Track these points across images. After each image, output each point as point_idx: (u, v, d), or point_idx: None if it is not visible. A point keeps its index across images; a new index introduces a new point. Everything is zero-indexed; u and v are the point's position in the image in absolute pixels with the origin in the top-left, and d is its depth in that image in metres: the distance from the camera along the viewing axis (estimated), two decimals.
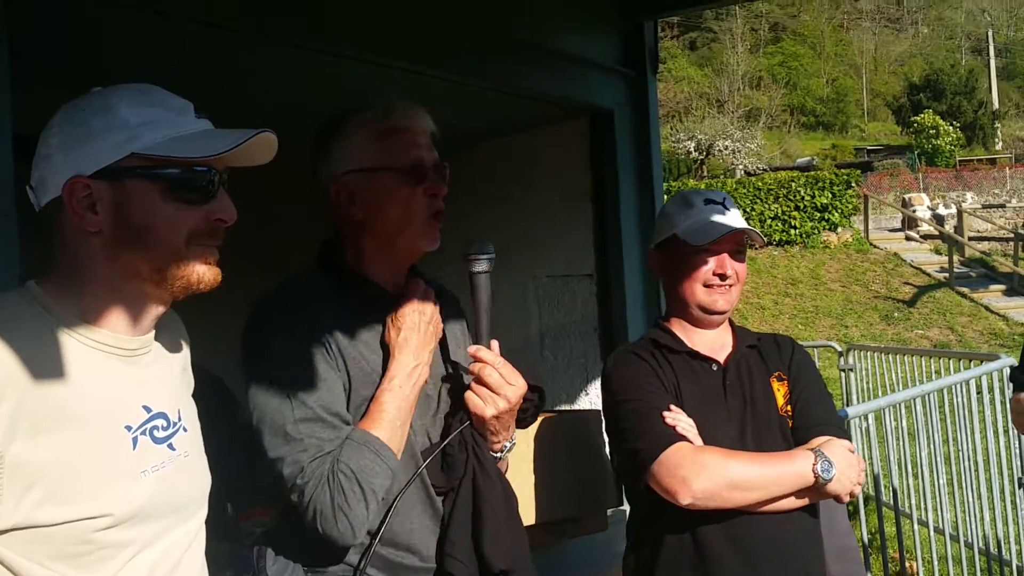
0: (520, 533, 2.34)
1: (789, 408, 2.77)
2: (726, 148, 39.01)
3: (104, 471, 1.58)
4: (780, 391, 2.79)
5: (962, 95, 47.22)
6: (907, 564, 5.72)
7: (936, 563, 5.83)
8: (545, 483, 3.20)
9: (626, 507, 3.54)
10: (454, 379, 2.35)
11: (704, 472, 2.55)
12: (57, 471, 1.52)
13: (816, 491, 2.59)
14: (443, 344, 2.38)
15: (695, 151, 38.92)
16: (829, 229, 26.04)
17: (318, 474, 2.06)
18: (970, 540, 6.17)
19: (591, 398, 4.10)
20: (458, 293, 2.48)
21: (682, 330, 2.87)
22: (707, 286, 2.78)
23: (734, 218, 2.80)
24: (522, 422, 2.43)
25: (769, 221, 25.92)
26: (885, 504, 7.09)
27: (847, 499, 2.69)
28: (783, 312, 21.49)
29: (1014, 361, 6.39)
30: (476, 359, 2.23)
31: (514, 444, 2.38)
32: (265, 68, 3.10)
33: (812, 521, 2.74)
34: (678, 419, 2.67)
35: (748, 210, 25.97)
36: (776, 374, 2.81)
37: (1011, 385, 3.24)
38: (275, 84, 3.27)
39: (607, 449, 3.46)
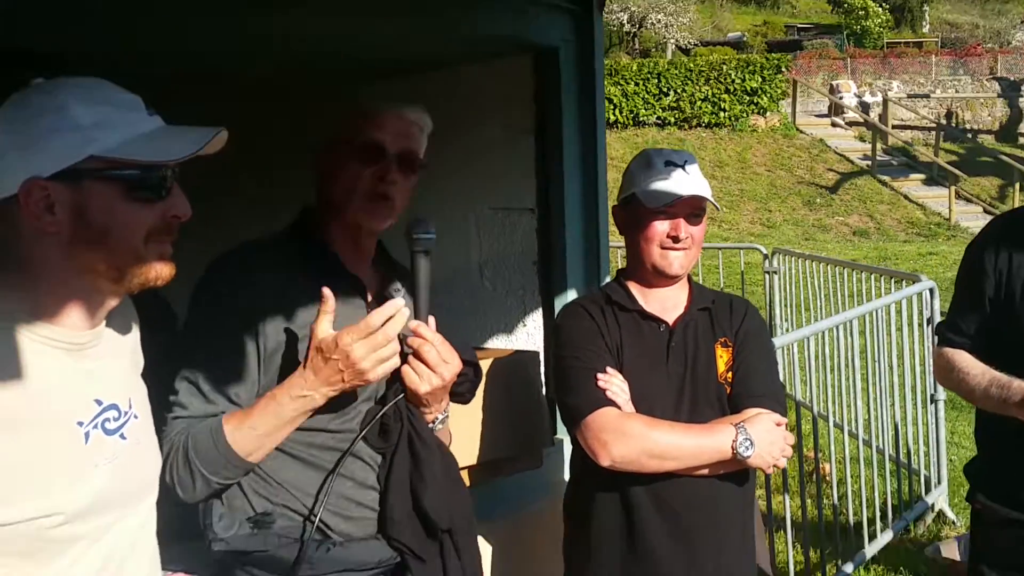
0: (461, 494, 2.48)
1: (730, 375, 2.85)
2: (659, 21, 38.61)
3: (56, 469, 1.61)
4: (723, 357, 2.86)
5: None
6: (821, 464, 5.96)
7: (848, 464, 6.10)
8: (484, 424, 3.28)
9: (562, 437, 3.68)
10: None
11: (624, 439, 2.67)
12: (10, 471, 1.55)
13: (736, 463, 2.70)
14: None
15: (628, 23, 38.49)
16: (758, 113, 26.16)
17: (175, 442, 2.19)
18: (882, 447, 6.47)
19: (528, 329, 4.17)
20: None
21: (637, 287, 2.93)
22: (662, 248, 2.83)
23: (693, 181, 2.83)
24: (459, 396, 2.57)
25: (699, 103, 25.95)
26: (803, 404, 7.38)
27: (770, 471, 2.82)
28: None
29: (933, 284, 6.62)
30: (415, 335, 2.29)
31: (447, 416, 2.49)
32: None
33: (741, 488, 2.84)
34: (611, 382, 2.76)
35: (679, 91, 25.94)
36: (722, 339, 2.88)
37: (936, 312, 3.35)
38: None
39: (544, 389, 3.57)
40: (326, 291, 2.18)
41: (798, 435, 5.80)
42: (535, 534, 3.48)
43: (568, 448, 3.29)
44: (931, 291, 6.55)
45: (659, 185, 2.83)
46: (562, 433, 3.59)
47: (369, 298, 2.44)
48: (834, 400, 6.15)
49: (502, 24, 3.68)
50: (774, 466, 2.74)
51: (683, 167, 2.87)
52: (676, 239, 2.82)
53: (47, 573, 1.62)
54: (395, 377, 2.33)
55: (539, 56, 3.97)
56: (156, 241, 1.69)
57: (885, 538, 5.93)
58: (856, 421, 6.05)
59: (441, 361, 2.30)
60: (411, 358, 2.31)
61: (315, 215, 2.45)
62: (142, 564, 1.83)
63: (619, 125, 25.37)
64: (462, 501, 2.47)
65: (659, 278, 2.89)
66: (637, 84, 26.04)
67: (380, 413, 2.32)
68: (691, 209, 2.84)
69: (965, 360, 3.10)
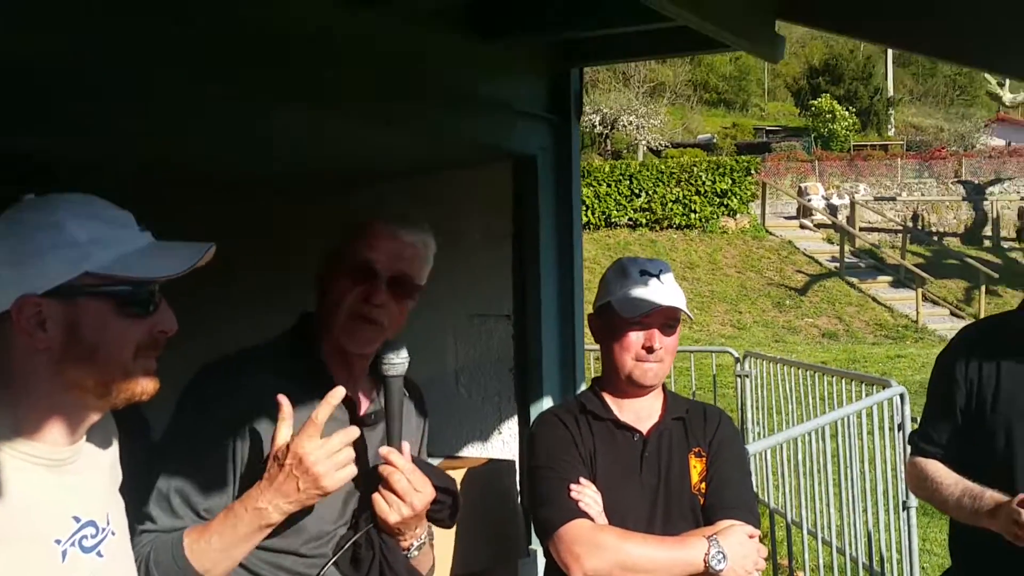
0: None
1: (703, 486, 2.83)
2: (630, 123, 39.24)
3: None
4: (697, 468, 2.85)
5: (859, 80, 48.13)
6: (795, 572, 5.93)
7: (822, 572, 6.06)
8: (458, 536, 3.26)
9: (535, 548, 3.64)
10: (373, 476, 2.31)
11: (597, 552, 2.63)
12: None
13: None
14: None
15: (600, 125, 39.09)
16: (728, 215, 26.49)
17: (140, 555, 2.11)
18: (855, 554, 6.44)
19: (504, 437, 4.16)
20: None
21: (611, 396, 2.92)
22: (636, 359, 2.83)
23: (668, 292, 2.84)
24: (440, 522, 2.47)
25: (671, 204, 26.27)
26: (776, 511, 7.35)
27: None
28: None
29: (903, 390, 6.66)
30: (386, 462, 2.23)
31: (424, 542, 2.39)
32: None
33: None
34: (583, 493, 2.74)
35: (651, 193, 26.26)
36: (696, 449, 2.87)
37: (907, 418, 3.38)
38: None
39: (519, 499, 3.55)
40: (281, 398, 2.12)
41: (772, 542, 5.76)
42: None
43: (542, 560, 3.26)
44: (901, 396, 6.60)
45: (634, 295, 2.85)
46: (537, 544, 3.55)
47: (362, 413, 2.38)
48: (807, 507, 6.12)
49: (484, 132, 3.76)
50: None
51: (658, 277, 2.89)
52: (650, 350, 2.83)
53: None
54: (367, 504, 2.27)
55: (518, 163, 4.04)
56: (143, 356, 1.69)
57: None
58: (829, 528, 6.02)
59: (412, 490, 2.22)
60: (381, 487, 2.24)
61: (312, 324, 2.39)
62: None
63: (591, 226, 25.60)
64: None
65: (633, 388, 2.89)
66: (609, 185, 26.37)
67: (352, 541, 2.26)
68: (665, 319, 2.85)
69: (938, 470, 3.12)
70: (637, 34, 3.76)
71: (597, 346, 3.01)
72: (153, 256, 1.67)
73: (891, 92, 50.77)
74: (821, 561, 6.13)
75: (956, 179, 30.68)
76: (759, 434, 9.73)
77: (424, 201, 4.13)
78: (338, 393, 2.14)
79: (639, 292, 2.85)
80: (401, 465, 2.22)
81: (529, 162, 4.02)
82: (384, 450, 2.23)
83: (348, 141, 3.54)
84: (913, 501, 6.67)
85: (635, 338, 2.83)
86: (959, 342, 3.22)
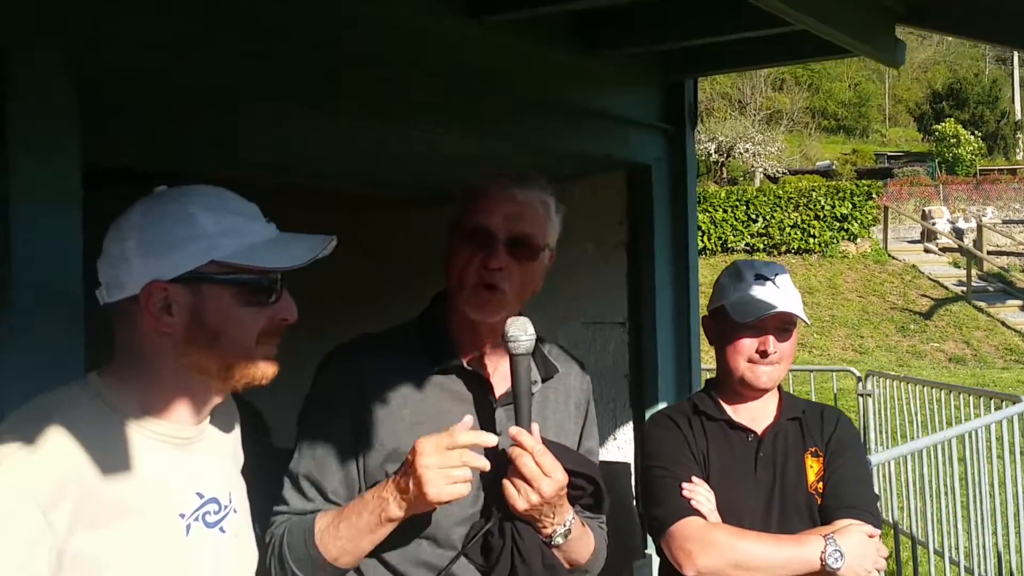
0: None
1: (821, 486, 2.78)
2: (747, 151, 38.90)
3: (159, 559, 1.66)
4: (813, 468, 2.80)
5: (985, 104, 46.90)
6: None
7: None
8: None
9: (651, 552, 3.63)
10: (504, 460, 2.17)
11: (710, 549, 2.60)
12: (116, 561, 1.60)
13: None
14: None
15: (715, 153, 38.83)
16: (848, 239, 26.00)
17: (274, 536, 2.15)
18: (984, 572, 6.24)
19: (619, 443, 4.18)
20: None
21: (725, 397, 2.90)
22: (750, 362, 2.79)
23: (783, 296, 2.79)
24: (588, 508, 2.34)
25: (788, 229, 25.92)
26: (903, 533, 7.16)
27: None
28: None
29: None
30: (515, 443, 2.10)
31: (570, 528, 2.22)
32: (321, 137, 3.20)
33: None
34: (696, 491, 2.71)
35: (768, 218, 25.96)
36: (812, 449, 2.82)
37: None
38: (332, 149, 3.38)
39: (634, 501, 3.55)
40: (468, 418, 2.07)
41: (897, 562, 5.62)
42: None
43: (657, 563, 3.26)
44: None
45: (748, 299, 2.81)
46: (652, 547, 3.55)
47: (498, 393, 2.27)
48: (933, 525, 5.97)
49: (599, 142, 3.80)
50: None
51: (773, 280, 2.84)
52: (764, 354, 2.79)
53: None
54: (498, 489, 2.13)
55: (632, 173, 4.07)
56: (264, 343, 1.74)
57: None
58: (957, 547, 5.83)
59: (541, 475, 2.07)
60: (509, 471, 2.11)
61: (442, 303, 2.32)
62: None
63: (707, 252, 25.39)
64: None
65: (747, 390, 2.85)
66: (726, 211, 26.16)
67: (483, 529, 2.15)
68: (780, 324, 2.80)
69: None
70: (752, 40, 3.73)
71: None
72: (277, 247, 1.73)
73: (1019, 115, 49.31)
74: None
75: None
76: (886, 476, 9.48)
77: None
78: (467, 422, 2.08)
79: (754, 296, 2.81)
80: (530, 446, 2.09)
81: (643, 171, 4.05)
82: (513, 431, 2.10)
83: (466, 155, 3.61)
84: None
85: (748, 342, 2.79)
86: None
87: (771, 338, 2.79)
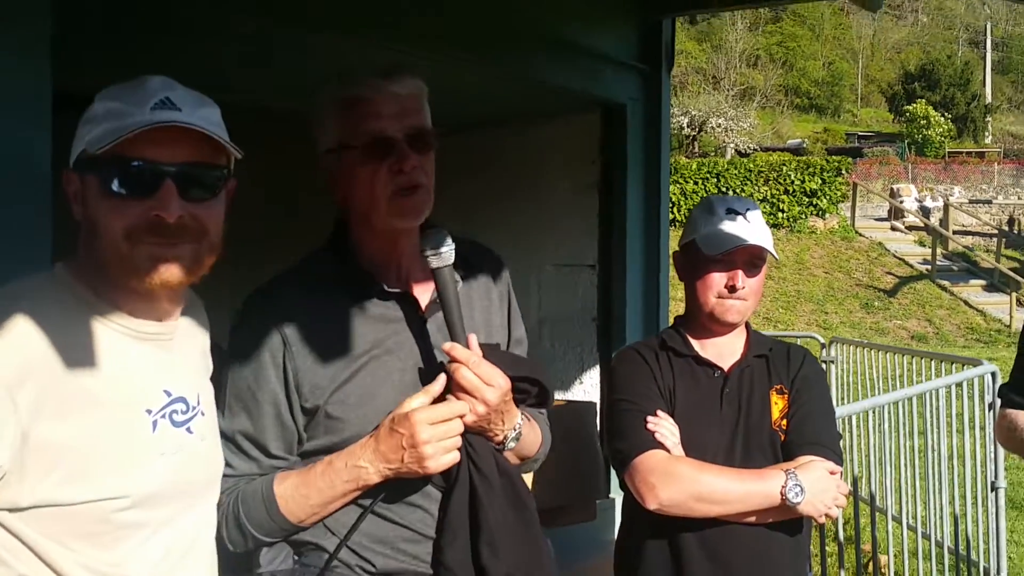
0: (528, 534, 2.19)
1: (785, 423, 2.77)
2: (719, 126, 39.01)
3: (124, 453, 1.62)
4: (778, 405, 2.79)
5: (956, 87, 47.22)
6: (879, 557, 5.83)
7: (906, 558, 5.95)
8: (537, 471, 3.25)
9: (615, 496, 3.63)
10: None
11: (672, 482, 2.59)
12: (80, 451, 1.56)
13: (787, 510, 2.60)
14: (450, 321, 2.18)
15: (688, 127, 38.90)
16: (816, 215, 26.14)
17: (226, 504, 2.07)
18: (940, 538, 6.30)
19: (585, 387, 4.17)
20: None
21: (693, 333, 2.88)
22: (719, 296, 2.77)
23: (754, 230, 2.77)
24: (533, 407, 2.28)
25: (758, 203, 26.00)
26: (862, 499, 7.22)
27: (821, 520, 2.70)
28: (765, 295, 21.50)
29: (996, 368, 6.50)
30: (451, 358, 2.04)
31: (519, 431, 2.18)
32: (293, 51, 3.12)
33: (793, 538, 2.74)
34: (660, 425, 2.69)
35: (738, 191, 26.01)
36: (777, 386, 2.81)
37: (998, 400, 3.30)
38: (300, 67, 3.30)
39: (599, 442, 3.55)
40: (441, 377, 2.03)
41: (856, 528, 5.65)
42: None
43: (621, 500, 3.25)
44: (993, 375, 6.42)
45: (719, 232, 2.78)
46: (616, 493, 3.54)
47: (425, 300, 2.19)
48: (891, 494, 5.99)
49: (574, 77, 3.76)
50: (826, 515, 2.66)
51: (744, 215, 2.81)
52: (733, 288, 2.76)
53: (109, 558, 1.63)
54: None
55: (607, 113, 4.03)
56: (143, 242, 1.63)
57: None
58: (915, 515, 5.87)
59: (480, 384, 2.03)
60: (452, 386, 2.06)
61: (344, 228, 2.20)
62: (202, 561, 1.83)
63: (677, 223, 25.41)
64: (529, 542, 2.18)
65: (715, 325, 2.84)
66: (696, 183, 26.20)
67: None
68: (750, 258, 2.77)
69: None
70: None
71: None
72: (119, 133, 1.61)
73: (989, 99, 49.69)
74: (906, 546, 6.01)
75: None
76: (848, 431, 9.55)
77: (511, 150, 4.16)
78: (441, 380, 2.04)
79: (724, 229, 2.80)
80: (465, 358, 2.03)
81: (618, 111, 4.01)
82: (446, 346, 2.04)
83: (449, 86, 3.55)
84: (1002, 482, 6.50)
85: (718, 277, 2.77)
86: None
87: (740, 272, 2.77)
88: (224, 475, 2.03)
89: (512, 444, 2.18)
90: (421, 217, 2.13)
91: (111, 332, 1.65)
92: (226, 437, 2.05)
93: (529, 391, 2.21)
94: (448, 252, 2.08)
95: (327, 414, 2.10)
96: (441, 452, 1.99)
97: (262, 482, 2.08)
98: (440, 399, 2.07)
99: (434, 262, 2.07)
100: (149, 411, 1.68)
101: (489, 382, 2.04)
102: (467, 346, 2.06)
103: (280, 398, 2.09)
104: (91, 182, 1.61)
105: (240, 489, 2.08)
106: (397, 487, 2.08)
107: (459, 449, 2.08)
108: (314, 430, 2.12)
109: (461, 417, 2.03)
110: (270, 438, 2.10)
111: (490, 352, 2.12)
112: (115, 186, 1.60)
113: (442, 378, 2.05)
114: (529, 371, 2.22)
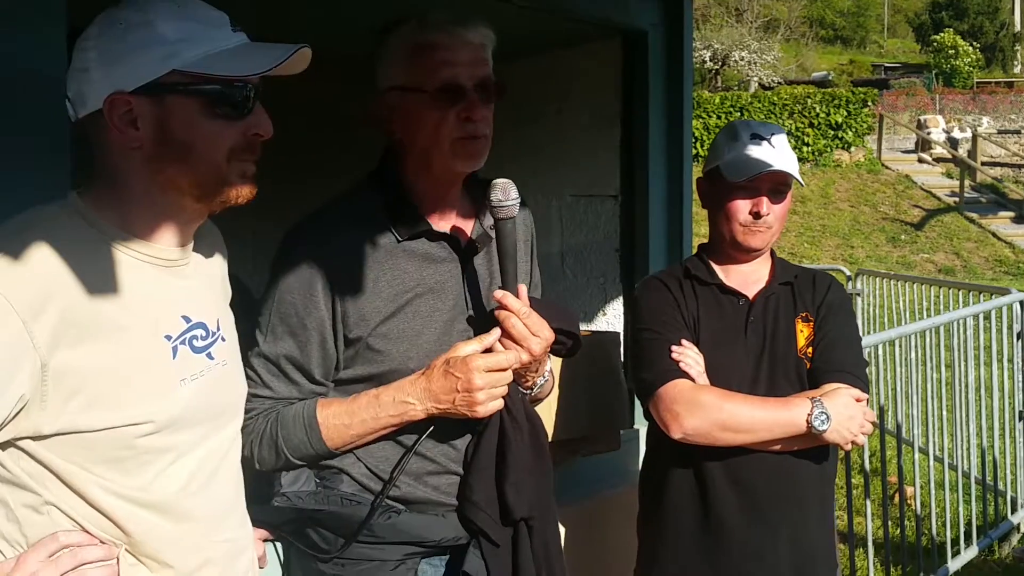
0: (545, 478, 2.32)
1: (810, 350, 2.76)
2: (742, 59, 38.51)
3: (146, 379, 1.63)
4: (804, 333, 2.78)
5: (984, 15, 46.43)
6: (905, 488, 5.83)
7: (933, 489, 5.95)
8: (561, 403, 3.25)
9: (639, 427, 3.62)
10: (490, 321, 2.20)
11: (697, 410, 2.59)
12: (101, 378, 1.57)
13: (812, 438, 2.60)
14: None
15: (710, 61, 38.43)
16: (842, 148, 25.90)
17: (259, 422, 2.12)
18: (967, 469, 6.29)
19: (608, 318, 4.14)
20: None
21: (717, 260, 2.86)
22: (743, 224, 2.74)
23: (779, 156, 2.73)
24: (560, 355, 2.41)
25: (783, 128, 25.78)
26: (888, 431, 7.21)
27: (848, 447, 2.69)
28: (790, 230, 21.46)
29: None
30: (501, 306, 2.13)
31: (547, 379, 2.35)
32: None
33: (819, 466, 2.75)
34: (684, 354, 2.70)
35: None
36: (803, 314, 2.79)
37: None
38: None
39: (623, 372, 3.52)
40: (496, 329, 2.12)
41: (882, 460, 5.64)
42: (611, 521, 3.42)
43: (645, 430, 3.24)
44: (1022, 304, 6.35)
45: (743, 158, 2.74)
46: (640, 423, 3.53)
47: (465, 243, 2.27)
48: (918, 427, 5.97)
49: (593, 5, 3.68)
50: (852, 443, 2.64)
51: (769, 140, 2.77)
52: (757, 215, 2.73)
53: (134, 483, 1.64)
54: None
55: (627, 40, 3.96)
56: (238, 159, 1.68)
57: (969, 554, 5.76)
58: (942, 447, 5.83)
59: (528, 334, 2.12)
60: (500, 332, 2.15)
61: (394, 164, 2.26)
62: (226, 486, 1.84)
63: (700, 159, 25.16)
64: (544, 486, 2.31)
65: (739, 253, 2.81)
66: (720, 117, 25.95)
67: None
68: (774, 184, 2.73)
69: None
70: None
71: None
72: (243, 55, 1.66)
73: (1018, 27, 48.83)
74: (932, 478, 6.00)
75: None
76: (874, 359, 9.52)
77: (531, 81, 4.09)
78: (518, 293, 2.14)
79: (749, 155, 2.75)
80: (516, 308, 2.12)
81: (639, 38, 3.93)
82: (499, 294, 2.13)
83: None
84: None
85: (742, 204, 2.73)
86: None
87: (765, 199, 2.74)
88: (261, 396, 2.14)
89: (539, 391, 2.32)
90: (481, 163, 2.20)
91: (128, 259, 1.65)
92: (268, 359, 2.15)
93: (565, 343, 2.31)
94: (514, 205, 2.16)
95: (368, 346, 2.17)
96: (491, 399, 2.07)
97: (303, 406, 2.14)
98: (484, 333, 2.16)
99: (500, 213, 2.15)
100: (169, 337, 1.69)
101: (536, 333, 2.14)
102: (517, 295, 2.15)
103: (327, 325, 2.15)
104: (184, 104, 1.62)
105: (279, 411, 2.13)
106: (428, 421, 2.14)
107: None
108: (353, 360, 2.19)
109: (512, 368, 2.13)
110: (314, 364, 2.16)
111: (536, 303, 2.21)
112: (222, 107, 1.64)
113: (496, 331, 2.13)
114: (569, 324, 2.32)
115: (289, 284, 2.15)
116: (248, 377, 2.05)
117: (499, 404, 2.11)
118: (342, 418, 2.11)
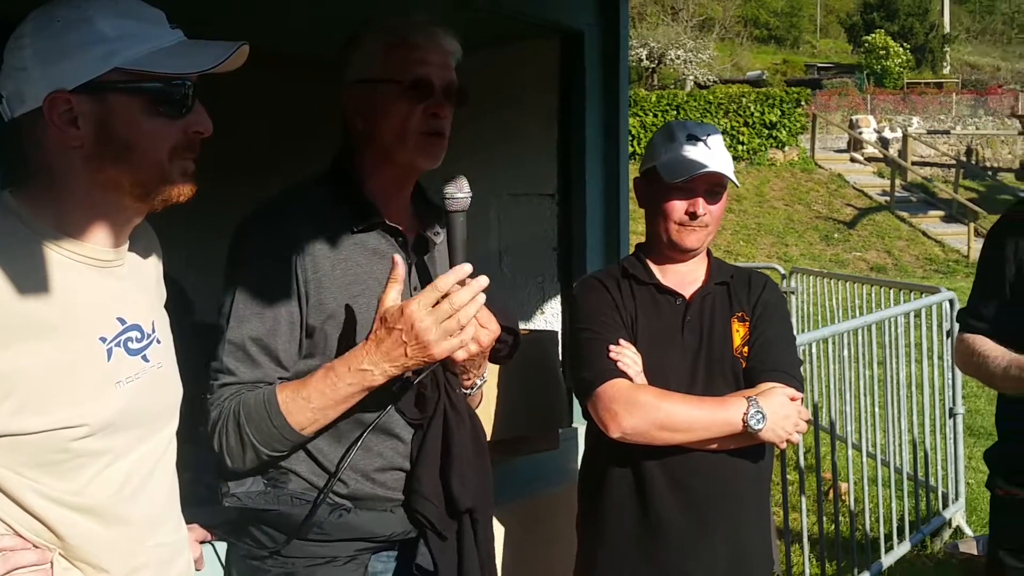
0: (486, 471, 2.36)
1: (746, 349, 2.78)
2: (678, 58, 38.78)
3: (80, 381, 1.61)
4: (740, 332, 2.80)
5: (915, 16, 47.21)
6: (839, 484, 5.90)
7: (866, 484, 6.03)
8: (499, 402, 3.25)
9: (578, 425, 3.63)
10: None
11: (635, 410, 2.61)
12: (33, 381, 1.55)
13: (748, 437, 2.63)
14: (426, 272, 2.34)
15: (647, 59, 38.65)
16: (776, 147, 26.18)
17: (225, 408, 2.12)
18: (900, 465, 6.39)
19: (546, 316, 4.15)
20: None
21: (654, 260, 2.87)
22: (679, 224, 2.76)
23: (714, 157, 2.75)
24: (500, 361, 2.45)
25: (719, 129, 25.99)
26: (822, 428, 7.31)
27: (783, 446, 2.73)
28: (726, 228, 21.64)
29: (954, 295, 6.56)
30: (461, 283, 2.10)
31: (485, 381, 2.38)
32: None
33: (755, 465, 2.77)
34: (623, 354, 2.71)
35: None
36: (739, 314, 2.82)
37: (957, 326, 3.32)
38: None
39: (561, 371, 3.53)
40: (396, 258, 2.08)
41: (816, 456, 5.72)
42: (550, 519, 3.43)
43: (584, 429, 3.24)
44: (951, 302, 6.47)
45: (680, 159, 2.76)
46: (579, 422, 3.54)
47: (411, 247, 2.32)
48: (851, 423, 6.05)
49: (528, 4, 3.68)
50: (787, 441, 2.67)
51: (705, 141, 2.79)
52: (694, 215, 2.75)
53: (68, 487, 1.61)
54: None
55: (565, 39, 3.97)
56: (180, 158, 1.67)
57: (902, 549, 5.84)
58: (874, 443, 5.92)
59: (478, 326, 2.13)
60: None
61: (351, 158, 2.31)
62: (161, 489, 1.81)
63: (637, 156, 25.28)
64: (485, 479, 2.34)
65: (676, 252, 2.83)
66: (656, 115, 26.10)
67: (417, 380, 2.17)
68: (710, 185, 2.76)
69: (986, 345, 3.06)
70: None
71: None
72: (183, 53, 1.65)
73: (947, 29, 49.77)
74: (865, 473, 6.08)
75: (1012, 114, 30.07)
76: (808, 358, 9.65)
77: (469, 80, 4.08)
78: (465, 269, 2.05)
79: (685, 155, 2.77)
80: (480, 285, 2.10)
81: (576, 38, 3.95)
82: (467, 268, 2.10)
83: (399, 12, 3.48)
84: (960, 409, 6.59)
85: (678, 204, 2.76)
86: (1008, 218, 3.17)
87: (701, 200, 2.76)
88: (226, 383, 2.13)
89: (473, 392, 2.34)
90: (439, 162, 2.27)
91: (61, 260, 1.62)
92: (233, 344, 2.13)
93: (507, 341, 2.35)
94: (466, 198, 2.16)
95: (325, 334, 2.18)
96: (443, 336, 2.02)
97: (265, 389, 2.12)
98: None
99: (453, 205, 2.15)
100: (103, 339, 1.66)
101: (484, 324, 2.15)
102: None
103: (294, 307, 2.16)
104: (125, 102, 1.60)
105: (242, 395, 2.12)
106: (380, 408, 2.15)
107: (438, 383, 2.22)
108: (310, 348, 2.19)
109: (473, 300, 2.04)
110: (281, 345, 2.16)
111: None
112: (163, 105, 1.63)
113: (398, 260, 2.09)
114: (510, 322, 2.35)
115: (249, 265, 2.17)
116: (213, 370, 2.11)
117: (458, 342, 2.05)
118: (300, 391, 2.09)
